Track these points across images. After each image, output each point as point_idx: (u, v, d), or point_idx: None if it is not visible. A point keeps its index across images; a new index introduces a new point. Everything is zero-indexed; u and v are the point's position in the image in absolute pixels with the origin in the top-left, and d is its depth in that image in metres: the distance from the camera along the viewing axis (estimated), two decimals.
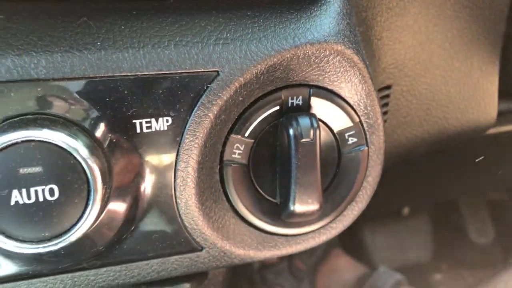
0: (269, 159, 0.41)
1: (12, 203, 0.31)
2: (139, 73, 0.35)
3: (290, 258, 1.12)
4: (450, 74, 0.57)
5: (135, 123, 0.35)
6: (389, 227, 1.36)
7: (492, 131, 0.67)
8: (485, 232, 1.41)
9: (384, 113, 0.55)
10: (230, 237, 0.42)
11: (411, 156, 0.63)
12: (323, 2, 0.39)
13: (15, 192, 0.31)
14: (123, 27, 0.35)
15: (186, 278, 0.47)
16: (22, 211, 0.31)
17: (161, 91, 0.35)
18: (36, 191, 0.31)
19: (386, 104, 0.55)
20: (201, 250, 0.42)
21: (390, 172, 0.65)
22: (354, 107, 0.43)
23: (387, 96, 0.55)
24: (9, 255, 0.35)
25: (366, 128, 0.43)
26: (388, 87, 0.54)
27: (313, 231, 0.45)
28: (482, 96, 0.60)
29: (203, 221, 0.40)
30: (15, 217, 0.31)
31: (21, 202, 0.31)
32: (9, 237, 0.32)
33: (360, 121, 0.43)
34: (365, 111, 0.43)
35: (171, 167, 0.38)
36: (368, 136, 0.44)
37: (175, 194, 0.39)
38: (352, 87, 0.42)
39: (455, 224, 1.39)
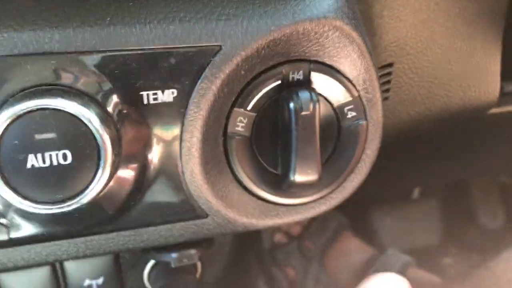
0: (270, 131, 0.43)
1: (29, 166, 0.34)
2: (146, 48, 0.37)
3: (300, 238, 1.14)
4: (452, 53, 0.58)
5: (142, 94, 0.38)
6: (399, 210, 1.37)
7: (496, 111, 0.68)
8: (495, 216, 1.42)
9: (386, 91, 0.57)
10: (234, 205, 0.44)
11: (414, 133, 0.64)
12: None
13: (31, 156, 0.34)
14: (130, 3, 0.37)
15: (193, 244, 0.49)
16: (38, 174, 0.34)
17: (166, 65, 0.38)
18: (50, 156, 0.34)
19: (388, 82, 0.57)
20: (206, 217, 0.44)
21: (400, 154, 0.67)
22: (353, 81, 0.44)
23: (389, 74, 0.56)
24: (26, 216, 0.38)
25: (365, 103, 0.45)
26: (390, 65, 0.56)
27: (313, 201, 0.47)
28: (485, 74, 0.61)
29: (208, 190, 0.43)
30: (31, 179, 0.34)
31: (36, 165, 0.34)
32: (25, 198, 0.34)
33: (359, 95, 0.45)
34: (364, 86, 0.45)
35: (176, 137, 0.40)
36: (367, 110, 0.45)
37: (181, 163, 0.41)
38: (351, 62, 0.44)
39: (466, 207, 1.40)
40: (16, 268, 0.41)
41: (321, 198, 0.47)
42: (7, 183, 0.34)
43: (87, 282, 0.54)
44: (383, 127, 0.47)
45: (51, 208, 0.35)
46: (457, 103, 0.61)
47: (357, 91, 0.45)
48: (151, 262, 0.55)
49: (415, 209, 1.40)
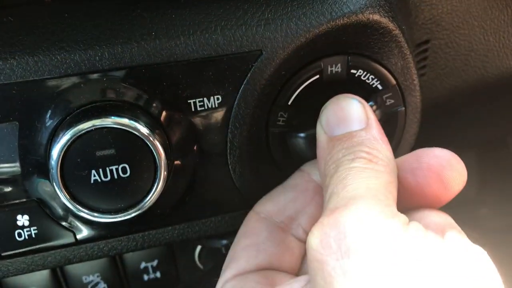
0: (309, 123, 0.45)
1: (92, 181, 0.36)
2: (191, 58, 0.38)
3: None
4: (489, 24, 0.57)
5: (190, 103, 0.40)
6: None
7: None
8: None
9: (423, 67, 0.57)
10: None
11: (450, 106, 0.64)
12: None
13: (93, 172, 0.36)
14: (173, 16, 0.38)
15: None
16: (101, 187, 0.37)
17: (211, 73, 0.39)
18: (111, 170, 0.36)
19: (424, 59, 0.56)
20: (248, 207, 0.46)
21: (437, 113, 0.67)
22: (391, 70, 0.45)
23: (425, 50, 0.56)
24: (92, 223, 0.41)
25: (403, 90, 0.46)
26: (426, 42, 0.55)
27: None
28: None
29: (254, 183, 0.45)
30: (95, 193, 0.37)
31: (99, 180, 0.36)
32: (91, 209, 0.37)
33: (397, 83, 0.45)
34: (402, 74, 0.45)
35: (223, 138, 0.42)
36: (405, 97, 0.46)
37: (228, 161, 0.43)
38: (388, 52, 0.44)
39: (503, 160, 1.38)
40: (80, 262, 0.45)
41: None
42: (73, 198, 0.36)
43: (143, 264, 0.58)
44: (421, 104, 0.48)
45: (114, 217, 0.38)
46: (494, 74, 0.61)
47: (395, 79, 0.45)
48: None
49: None
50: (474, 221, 1.26)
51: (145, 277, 0.58)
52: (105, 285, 0.57)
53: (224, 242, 0.52)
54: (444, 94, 0.61)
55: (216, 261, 0.55)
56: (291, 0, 0.40)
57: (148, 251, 0.57)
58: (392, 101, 0.46)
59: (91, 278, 0.56)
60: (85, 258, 0.44)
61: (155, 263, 0.57)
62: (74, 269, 0.56)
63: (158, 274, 0.58)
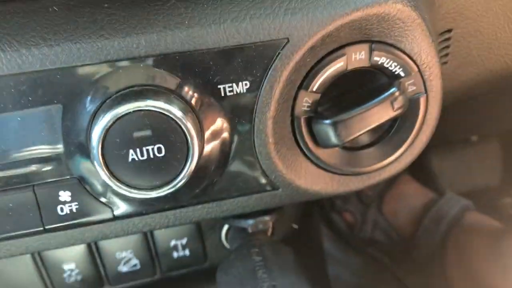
0: (333, 110, 0.47)
1: (130, 160, 0.39)
2: (221, 46, 0.41)
3: None
4: None
5: (219, 88, 0.42)
6: (457, 153, 1.37)
7: None
8: None
9: (445, 55, 0.58)
10: (302, 178, 0.49)
11: (472, 94, 0.65)
12: None
13: (131, 151, 0.39)
14: (205, 5, 0.41)
15: (266, 212, 0.55)
16: (138, 166, 0.39)
17: (239, 60, 0.41)
18: (147, 150, 0.39)
19: (447, 47, 0.58)
20: (278, 189, 0.49)
21: (459, 100, 0.68)
22: (414, 58, 0.46)
23: (448, 39, 0.57)
24: (128, 199, 0.44)
25: (425, 77, 0.47)
26: (449, 30, 0.56)
27: (376, 170, 0.50)
28: None
29: (279, 166, 0.47)
30: (132, 171, 0.40)
31: (136, 159, 0.39)
32: (129, 186, 0.40)
33: (419, 70, 0.47)
34: (424, 61, 0.47)
35: (250, 122, 0.44)
36: (426, 84, 0.48)
37: (254, 144, 0.45)
38: (411, 40, 0.46)
39: None
40: (116, 237, 0.48)
41: (383, 167, 0.50)
42: (112, 176, 0.39)
43: (173, 242, 0.61)
44: (444, 89, 0.50)
45: (150, 194, 0.41)
46: None
47: (417, 66, 0.47)
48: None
49: (474, 151, 1.39)
50: (497, 210, 1.26)
51: (175, 255, 0.61)
52: (137, 262, 0.60)
53: (250, 222, 0.54)
54: (467, 82, 0.62)
55: (241, 240, 0.58)
56: None
57: (178, 229, 0.60)
58: (414, 87, 0.47)
59: (124, 254, 0.60)
60: (121, 234, 0.47)
61: (184, 241, 0.60)
62: (108, 245, 0.59)
63: (187, 252, 0.61)
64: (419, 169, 1.25)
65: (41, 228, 0.43)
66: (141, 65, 0.40)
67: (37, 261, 0.59)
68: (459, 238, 0.95)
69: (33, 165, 0.41)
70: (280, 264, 0.53)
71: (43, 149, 0.41)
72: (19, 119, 0.40)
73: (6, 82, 0.39)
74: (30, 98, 0.39)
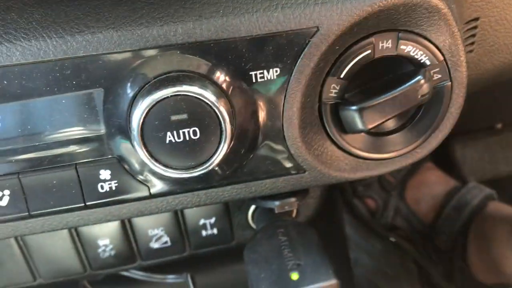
0: (360, 97, 0.49)
1: (167, 141, 0.42)
2: (253, 34, 0.43)
3: None
4: None
5: (251, 74, 0.44)
6: (481, 141, 1.36)
7: None
8: None
9: (471, 44, 0.59)
10: (328, 162, 0.51)
11: (497, 82, 0.66)
12: None
13: (168, 134, 0.41)
14: None
15: (292, 193, 0.57)
16: (174, 147, 0.42)
17: (271, 47, 0.43)
18: (183, 132, 0.42)
19: (473, 35, 0.58)
20: (304, 172, 0.51)
21: (484, 88, 0.69)
22: (439, 47, 0.48)
23: (474, 27, 0.58)
24: (164, 179, 0.47)
25: (450, 65, 0.48)
26: (476, 19, 0.57)
27: (400, 156, 0.52)
28: None
29: (306, 150, 0.49)
30: (169, 151, 0.42)
31: (173, 140, 0.42)
32: (166, 166, 0.43)
33: (445, 59, 0.48)
34: (449, 50, 0.48)
35: (279, 108, 0.46)
36: (451, 73, 0.49)
37: (283, 129, 0.47)
38: (437, 29, 0.47)
39: None
40: (150, 214, 0.51)
41: (407, 152, 0.52)
42: (151, 155, 0.42)
43: (202, 221, 0.64)
44: (467, 78, 0.51)
45: (185, 173, 0.43)
46: None
47: (443, 55, 0.48)
48: (254, 206, 0.64)
49: (499, 139, 1.38)
50: None
51: (203, 233, 0.64)
52: (168, 239, 0.63)
53: (277, 203, 0.56)
54: (492, 70, 0.63)
55: (267, 221, 0.61)
56: None
57: (207, 209, 0.62)
58: (439, 76, 0.49)
59: (155, 231, 0.63)
60: (155, 211, 0.50)
61: (212, 220, 0.63)
62: (141, 222, 0.62)
63: (215, 231, 0.64)
64: (442, 157, 1.25)
65: (82, 204, 0.46)
66: (178, 52, 0.42)
67: (74, 236, 0.63)
68: (481, 227, 0.95)
69: (76, 145, 0.44)
70: (304, 244, 0.56)
71: (86, 130, 0.44)
72: (63, 101, 0.42)
73: (53, 67, 0.41)
74: (74, 82, 0.42)
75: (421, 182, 1.15)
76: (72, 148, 0.44)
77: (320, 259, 0.54)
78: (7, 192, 0.44)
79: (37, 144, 0.43)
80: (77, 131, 0.44)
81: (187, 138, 0.42)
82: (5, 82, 0.41)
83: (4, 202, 0.45)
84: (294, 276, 0.52)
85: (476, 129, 1.33)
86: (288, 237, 0.57)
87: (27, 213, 0.45)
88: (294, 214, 0.62)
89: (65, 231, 0.62)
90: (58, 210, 0.46)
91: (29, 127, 0.43)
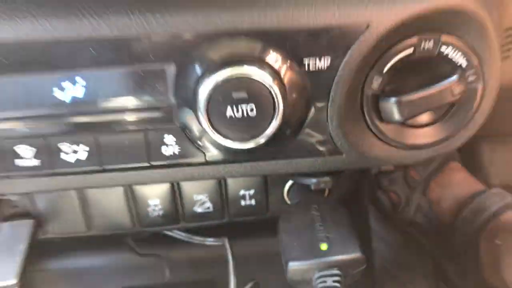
0: (399, 90, 0.54)
1: (227, 116, 0.48)
2: (311, 26, 0.48)
3: (406, 168, 1.22)
4: None
5: (305, 61, 0.50)
6: (509, 145, 1.38)
7: None
8: None
9: (508, 50, 0.63)
10: (365, 146, 0.56)
11: None
12: None
13: (229, 109, 0.48)
14: None
15: (328, 173, 0.63)
16: (233, 121, 0.48)
17: (325, 39, 0.49)
18: (242, 108, 0.48)
19: (511, 42, 0.63)
20: (342, 155, 0.57)
21: None
22: (476, 51, 0.52)
23: None
24: (220, 148, 0.53)
25: (484, 69, 0.53)
26: None
27: (431, 146, 0.57)
28: None
29: (345, 135, 0.55)
30: (228, 124, 0.48)
31: (233, 115, 0.48)
32: (225, 137, 0.49)
33: (480, 63, 0.53)
34: (485, 55, 0.53)
35: (326, 95, 0.52)
36: (485, 76, 0.54)
37: (327, 114, 0.53)
38: (476, 35, 0.52)
39: None
40: (201, 179, 0.58)
41: (436, 145, 0.57)
42: (212, 126, 0.48)
43: (242, 192, 0.70)
44: (502, 83, 0.55)
45: (240, 145, 0.49)
46: None
47: (479, 59, 0.53)
48: (290, 182, 0.70)
49: None
50: None
51: (242, 203, 0.70)
52: (210, 205, 0.70)
53: (314, 180, 0.62)
54: None
55: (302, 196, 0.67)
56: None
57: (247, 181, 0.69)
58: (473, 77, 0.53)
59: (200, 197, 0.69)
60: (206, 177, 0.56)
61: (251, 192, 0.70)
62: (188, 188, 0.69)
63: (252, 202, 0.70)
64: (470, 158, 1.27)
65: (147, 164, 0.53)
66: (242, 37, 0.48)
67: (128, 194, 0.70)
68: (493, 233, 0.98)
69: (147, 112, 0.51)
70: (335, 220, 0.62)
71: (156, 100, 0.51)
72: (141, 73, 0.49)
73: (135, 41, 0.48)
74: (151, 56, 0.48)
75: (445, 182, 1.17)
76: (143, 115, 0.51)
77: (348, 234, 0.60)
78: (86, 148, 0.52)
79: (114, 109, 0.50)
80: (148, 100, 0.51)
81: (245, 114, 0.48)
82: (96, 52, 0.48)
83: (84, 156, 0.52)
84: (324, 246, 0.58)
85: (508, 133, 1.34)
86: (320, 212, 0.63)
87: (101, 168, 0.53)
88: (326, 193, 0.68)
89: (121, 190, 0.69)
90: (126, 167, 0.53)
91: (109, 94, 0.50)
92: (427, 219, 1.15)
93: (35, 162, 0.52)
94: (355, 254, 0.58)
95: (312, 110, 0.53)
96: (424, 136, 0.57)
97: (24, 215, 0.69)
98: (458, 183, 1.14)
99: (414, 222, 1.16)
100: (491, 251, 0.93)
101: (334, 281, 0.56)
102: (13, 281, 0.63)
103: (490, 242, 0.92)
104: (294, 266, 0.57)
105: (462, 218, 1.04)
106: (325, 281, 0.56)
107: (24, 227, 0.69)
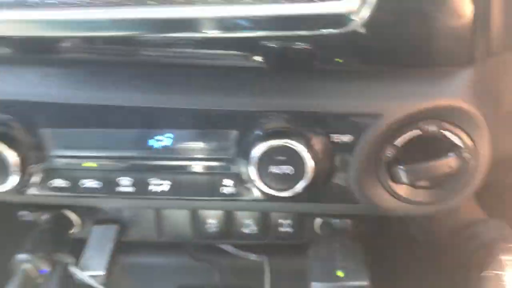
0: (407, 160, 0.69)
1: (271, 172, 0.65)
2: (338, 111, 0.65)
3: None
4: None
5: (331, 136, 0.66)
6: None
7: None
8: None
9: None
10: (377, 199, 0.72)
11: None
12: (452, 73, 0.64)
13: (273, 167, 0.65)
14: (334, 83, 0.65)
15: (348, 216, 0.80)
16: (275, 176, 0.66)
17: (348, 121, 0.65)
18: (281, 168, 0.65)
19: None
20: (359, 203, 0.73)
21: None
22: (471, 136, 0.67)
23: None
24: (263, 192, 0.71)
25: (477, 149, 0.68)
26: None
27: (431, 204, 0.72)
28: None
29: (363, 189, 0.71)
30: (271, 178, 0.66)
31: (274, 172, 0.65)
32: (266, 186, 0.66)
33: (475, 144, 0.67)
34: (479, 140, 0.67)
35: (347, 161, 0.68)
36: (478, 154, 0.68)
37: (348, 174, 0.69)
38: (470, 123, 0.66)
39: None
40: (250, 210, 0.76)
41: (435, 203, 0.72)
42: (261, 180, 0.66)
43: (280, 220, 0.87)
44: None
45: (277, 193, 0.67)
46: None
47: (473, 142, 0.67)
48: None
49: None
50: None
51: (280, 229, 0.88)
52: (255, 228, 0.88)
53: (337, 220, 0.79)
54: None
55: (329, 231, 0.83)
56: (407, 83, 0.64)
57: (287, 213, 0.86)
58: (469, 155, 0.68)
59: (248, 221, 0.87)
60: (253, 210, 0.74)
61: (289, 221, 0.87)
62: (240, 214, 0.87)
63: (289, 229, 0.87)
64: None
65: (209, 198, 0.72)
66: (285, 115, 0.65)
67: (193, 214, 0.89)
68: (481, 262, 1.01)
69: (214, 162, 0.70)
70: (351, 253, 0.78)
71: (221, 154, 0.69)
72: (215, 134, 0.68)
73: (213, 112, 0.66)
74: (223, 124, 0.67)
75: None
76: (210, 163, 0.70)
77: (361, 266, 0.76)
78: (169, 183, 0.71)
79: (190, 157, 0.69)
80: (215, 153, 0.69)
81: (284, 172, 0.65)
82: (184, 119, 0.67)
83: (167, 188, 0.71)
84: (340, 273, 0.75)
85: None
86: (341, 245, 0.79)
87: (177, 197, 0.72)
88: (349, 230, 0.84)
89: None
90: (194, 198, 0.72)
91: (188, 147, 0.69)
92: (425, 236, 1.18)
93: (131, 189, 0.72)
94: (364, 282, 0.74)
95: (336, 170, 0.69)
96: (426, 196, 0.72)
97: (112, 221, 0.90)
98: (463, 210, 1.17)
99: (411, 236, 1.21)
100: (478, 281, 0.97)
101: None
102: (102, 272, 0.83)
103: (477, 273, 0.96)
104: (316, 285, 0.74)
105: (456, 242, 1.08)
106: None
107: (112, 230, 0.90)
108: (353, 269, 0.75)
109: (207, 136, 0.68)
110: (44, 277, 0.79)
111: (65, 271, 0.83)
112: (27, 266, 0.76)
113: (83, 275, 0.79)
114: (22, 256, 0.76)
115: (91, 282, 0.78)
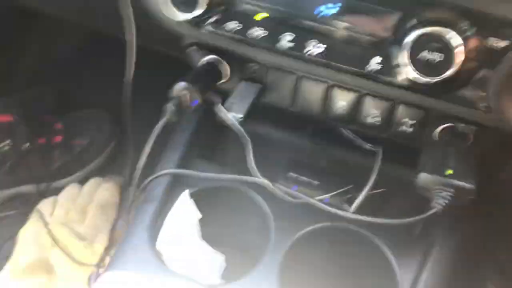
0: None
1: (423, 57, 0.73)
2: (504, 17, 0.69)
3: None
4: None
5: (488, 41, 0.71)
6: None
7: None
8: None
9: None
10: (507, 113, 0.76)
11: None
12: None
13: (425, 52, 0.72)
14: None
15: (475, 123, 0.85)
16: (424, 62, 0.73)
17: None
18: (433, 54, 0.72)
19: None
20: (491, 113, 0.77)
21: None
22: None
23: None
24: (407, 80, 0.77)
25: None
26: None
27: None
28: None
29: (501, 100, 0.75)
30: (420, 63, 0.73)
31: (424, 57, 0.72)
32: (415, 71, 0.74)
33: None
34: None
35: (496, 71, 0.73)
36: None
37: (491, 82, 0.74)
38: None
39: None
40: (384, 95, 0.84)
41: None
42: (412, 63, 0.74)
43: (405, 119, 0.94)
44: None
45: (422, 79, 0.74)
46: None
47: None
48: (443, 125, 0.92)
49: None
50: None
51: (402, 127, 0.94)
52: (379, 119, 0.95)
53: (462, 125, 0.85)
54: None
55: (448, 138, 0.89)
56: None
57: (412, 113, 0.92)
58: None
59: (375, 111, 0.95)
60: (387, 94, 0.83)
61: (412, 122, 0.93)
62: (368, 100, 0.94)
63: (410, 129, 0.94)
64: None
65: (356, 70, 0.81)
66: (450, 8, 0.71)
67: (327, 91, 0.97)
68: None
69: (371, 37, 0.77)
70: (465, 159, 0.84)
71: (379, 33, 0.77)
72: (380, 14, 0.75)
73: None
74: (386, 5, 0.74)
75: None
76: (369, 38, 0.78)
77: (470, 172, 0.82)
78: (324, 46, 0.81)
79: (350, 28, 0.79)
80: (374, 30, 0.77)
81: (434, 59, 0.72)
82: None
83: (321, 50, 0.81)
84: (449, 171, 0.81)
85: None
86: (456, 151, 0.85)
87: (327, 61, 0.82)
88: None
89: (324, 86, 0.97)
90: (342, 67, 0.82)
91: (351, 20, 0.77)
92: None
93: (290, 44, 0.83)
94: (470, 185, 0.80)
95: (480, 73, 0.74)
96: None
97: (257, 80, 1.02)
98: None
99: None
100: None
101: (447, 195, 0.79)
102: (241, 115, 0.96)
103: None
104: (424, 175, 0.82)
105: None
106: (441, 191, 0.80)
107: (255, 87, 1.02)
108: (463, 172, 0.81)
109: (371, 13, 0.76)
110: (194, 108, 0.93)
111: (207, 110, 0.97)
112: (184, 93, 0.90)
113: (226, 114, 0.92)
114: (182, 84, 0.90)
115: (232, 120, 0.92)
